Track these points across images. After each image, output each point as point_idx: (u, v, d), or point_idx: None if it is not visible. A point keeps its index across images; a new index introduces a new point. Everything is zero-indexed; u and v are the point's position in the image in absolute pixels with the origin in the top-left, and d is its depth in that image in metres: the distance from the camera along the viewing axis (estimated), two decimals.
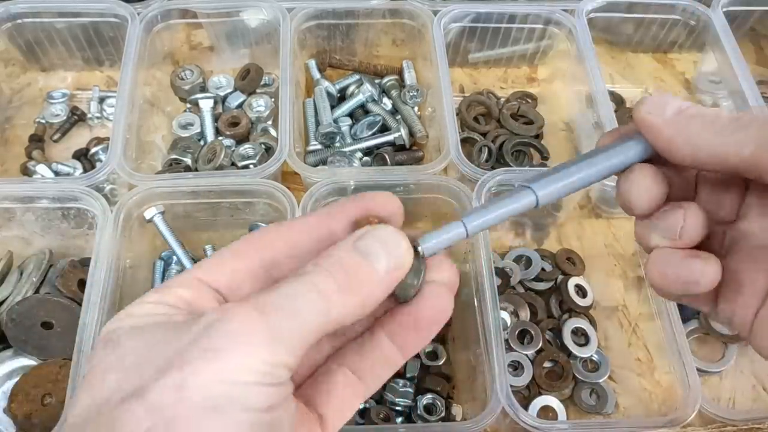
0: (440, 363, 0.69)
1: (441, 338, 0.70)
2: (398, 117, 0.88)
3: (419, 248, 0.33)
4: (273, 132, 0.85)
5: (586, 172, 0.34)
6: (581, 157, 0.34)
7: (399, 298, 0.33)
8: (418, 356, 0.70)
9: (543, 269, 0.78)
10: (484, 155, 0.85)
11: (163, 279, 0.75)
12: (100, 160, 0.83)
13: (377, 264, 0.30)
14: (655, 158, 0.33)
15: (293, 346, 0.27)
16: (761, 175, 0.29)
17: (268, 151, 0.82)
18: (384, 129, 0.86)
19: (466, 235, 0.33)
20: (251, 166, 0.79)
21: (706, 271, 0.31)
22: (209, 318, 0.27)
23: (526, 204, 0.33)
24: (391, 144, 0.84)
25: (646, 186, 0.32)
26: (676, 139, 0.31)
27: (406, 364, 0.69)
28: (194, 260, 0.74)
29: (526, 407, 0.67)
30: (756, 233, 0.33)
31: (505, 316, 0.74)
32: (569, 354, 0.72)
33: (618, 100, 0.92)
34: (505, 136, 0.87)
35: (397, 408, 0.67)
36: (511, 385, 0.62)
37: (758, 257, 0.33)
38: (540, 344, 0.72)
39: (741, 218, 0.34)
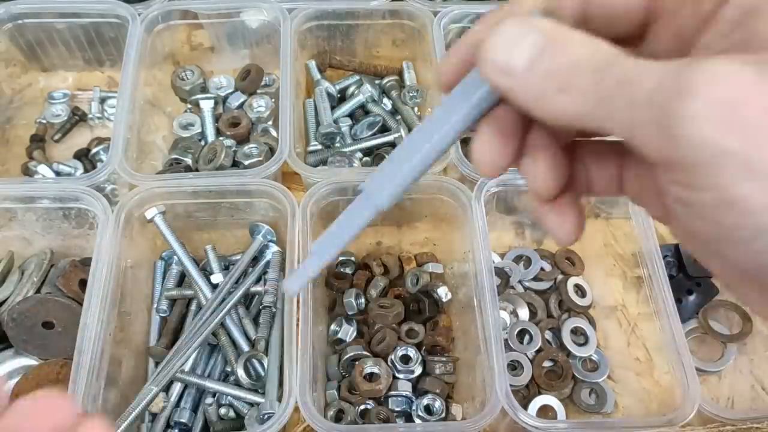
0: (440, 370, 0.69)
1: (443, 347, 0.71)
2: (398, 117, 0.88)
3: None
4: (273, 132, 0.85)
5: (426, 149, 0.27)
6: (420, 128, 0.28)
7: None
8: (423, 362, 0.70)
9: (542, 269, 0.78)
10: None
11: (163, 279, 0.75)
12: (101, 160, 0.83)
13: None
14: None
15: None
16: (600, 126, 0.23)
17: (269, 151, 0.82)
18: (384, 129, 0.87)
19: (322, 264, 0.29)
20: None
21: (561, 227, 0.28)
22: None
23: (368, 216, 0.28)
24: (391, 144, 0.85)
25: (491, 150, 0.27)
26: (529, 100, 0.24)
27: (406, 364, 0.69)
28: (195, 260, 0.74)
29: (525, 407, 0.67)
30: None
31: (504, 315, 0.74)
32: (568, 354, 0.72)
33: None
34: None
35: (397, 408, 0.67)
36: (511, 385, 0.62)
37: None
38: (539, 344, 0.72)
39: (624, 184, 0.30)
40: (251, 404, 0.67)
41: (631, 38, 0.28)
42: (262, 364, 0.68)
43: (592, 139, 0.30)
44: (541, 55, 0.23)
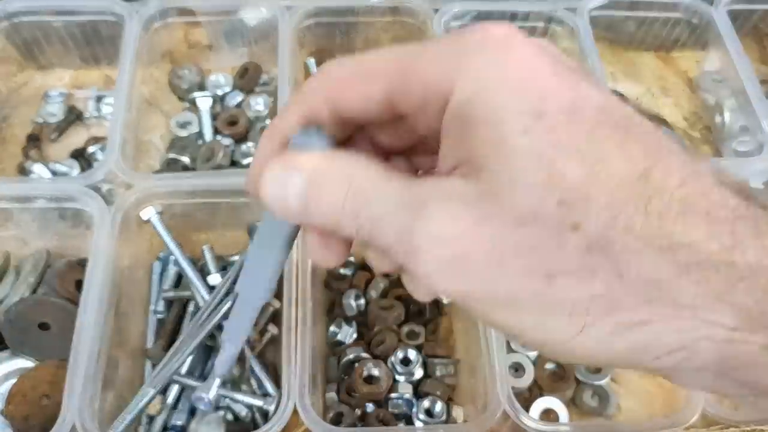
0: (441, 372, 0.69)
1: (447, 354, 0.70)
2: None
3: None
4: None
5: (258, 287, 0.30)
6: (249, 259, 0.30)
7: None
8: (424, 364, 0.69)
9: None
10: None
11: (161, 280, 0.75)
12: (98, 160, 0.82)
13: None
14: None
15: None
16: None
17: None
18: None
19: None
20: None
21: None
22: None
23: (234, 356, 0.32)
24: None
25: (322, 253, 0.28)
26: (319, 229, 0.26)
27: (407, 366, 0.68)
28: (192, 261, 0.73)
29: (527, 409, 0.66)
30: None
31: None
32: None
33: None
34: None
35: (397, 411, 0.67)
36: (513, 387, 0.62)
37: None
38: None
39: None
40: (249, 407, 0.66)
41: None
42: None
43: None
44: (306, 200, 0.25)
